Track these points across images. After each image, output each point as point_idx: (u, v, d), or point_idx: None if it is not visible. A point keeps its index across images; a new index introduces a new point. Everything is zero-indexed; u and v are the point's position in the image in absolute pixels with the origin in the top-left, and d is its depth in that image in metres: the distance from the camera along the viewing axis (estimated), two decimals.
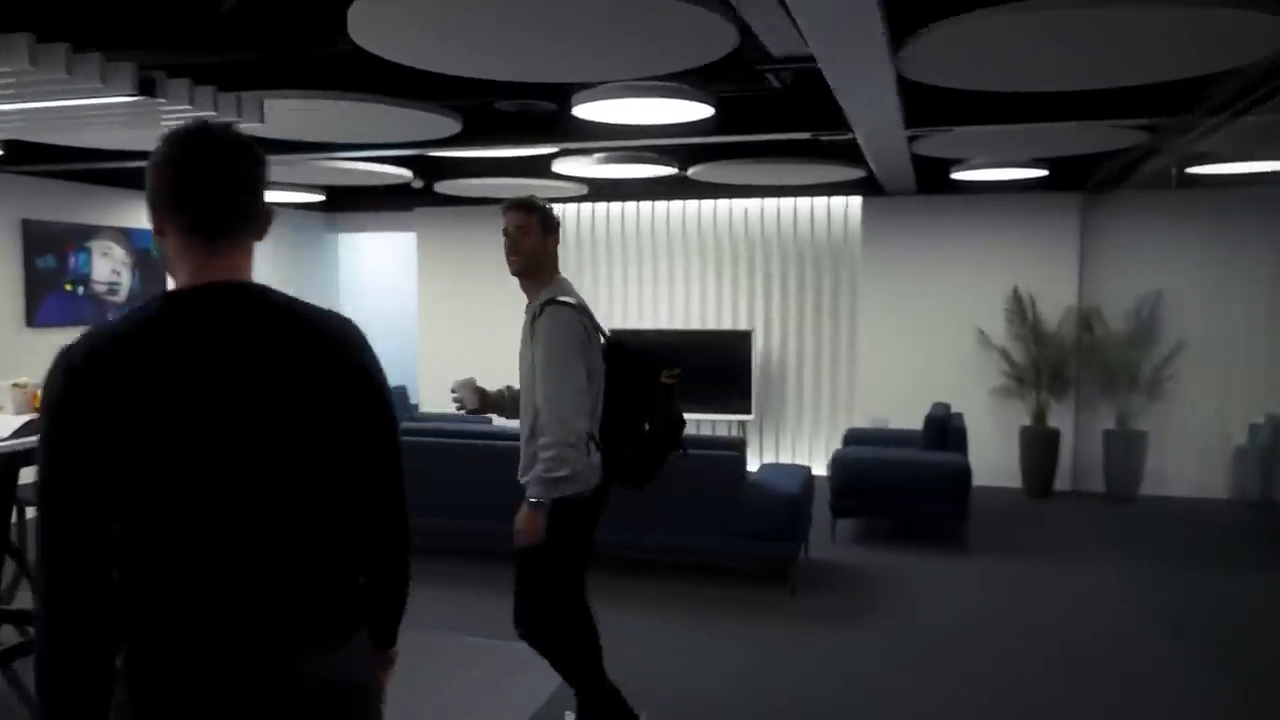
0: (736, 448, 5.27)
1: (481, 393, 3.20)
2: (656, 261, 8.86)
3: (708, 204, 8.70)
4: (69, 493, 1.32)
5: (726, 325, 8.64)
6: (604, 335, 3.06)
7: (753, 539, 5.15)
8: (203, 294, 1.42)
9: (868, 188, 7.59)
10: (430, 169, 6.93)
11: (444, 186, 7.65)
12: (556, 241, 3.06)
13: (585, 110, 4.14)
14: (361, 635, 1.54)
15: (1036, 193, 7.67)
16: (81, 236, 7.19)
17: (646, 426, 3.03)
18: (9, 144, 5.45)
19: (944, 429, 6.36)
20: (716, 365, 8.32)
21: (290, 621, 1.43)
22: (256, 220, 1.49)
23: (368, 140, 5.30)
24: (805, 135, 4.95)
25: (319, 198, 8.15)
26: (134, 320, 1.38)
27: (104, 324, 1.39)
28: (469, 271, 9.24)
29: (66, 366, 1.34)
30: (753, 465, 5.89)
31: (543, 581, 3.02)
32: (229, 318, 1.42)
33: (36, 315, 6.83)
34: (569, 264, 8.97)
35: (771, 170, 6.54)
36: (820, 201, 8.43)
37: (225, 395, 1.37)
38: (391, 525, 1.62)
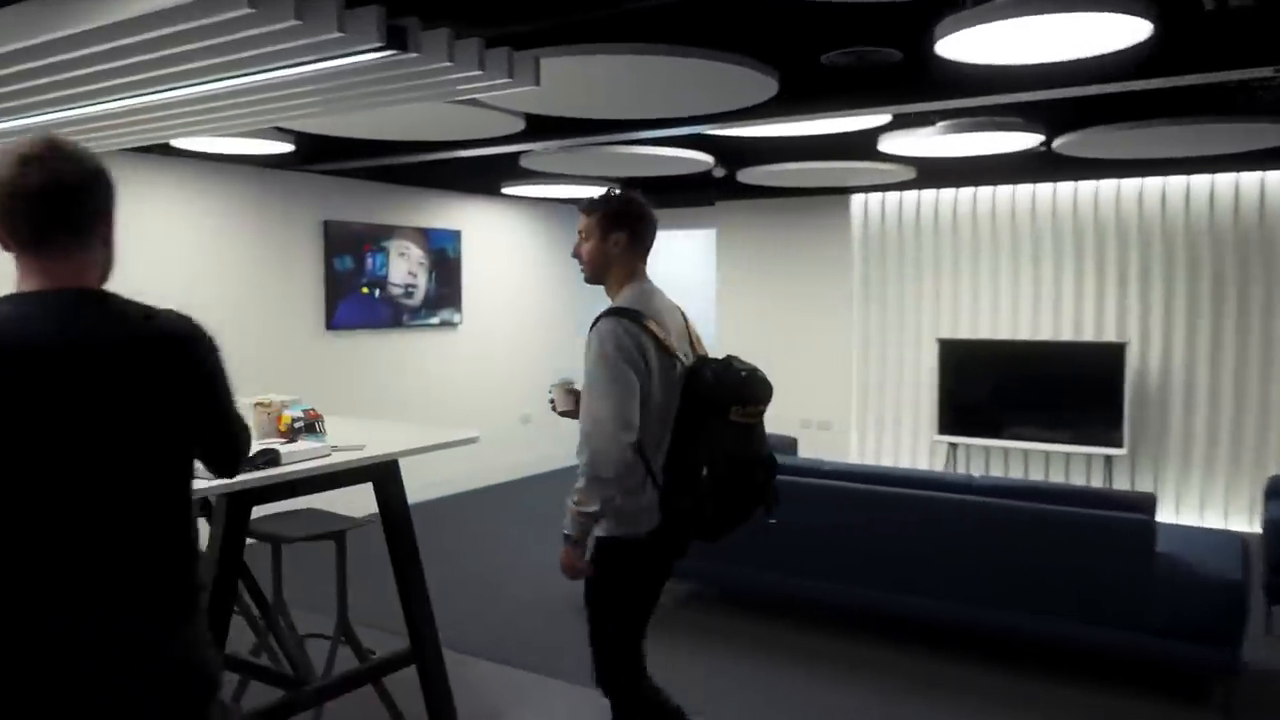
0: (1142, 508, 3.86)
1: (575, 395, 2.81)
2: (999, 257, 7.39)
3: (1068, 186, 7.12)
4: None
5: (1091, 336, 7.02)
6: (684, 357, 2.63)
7: (1166, 637, 3.74)
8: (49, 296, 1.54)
9: None
10: (732, 155, 6.02)
11: (747, 175, 6.72)
12: (625, 241, 2.70)
13: (955, 46, 2.99)
14: (202, 620, 1.64)
15: None
16: (379, 237, 6.99)
17: (705, 470, 2.55)
18: (306, 140, 5.16)
19: None
20: (1078, 385, 6.76)
21: (141, 603, 1.53)
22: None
23: (661, 114, 4.44)
24: (1268, 71, 3.45)
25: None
26: None
27: None
28: (773, 272, 8.26)
29: None
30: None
31: (597, 633, 2.68)
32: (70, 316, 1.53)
33: (334, 318, 6.68)
34: (888, 263, 7.73)
35: (1170, 137, 4.97)
36: (1225, 179, 6.60)
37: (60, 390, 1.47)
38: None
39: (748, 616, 4.83)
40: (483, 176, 6.98)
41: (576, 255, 2.82)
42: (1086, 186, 7.05)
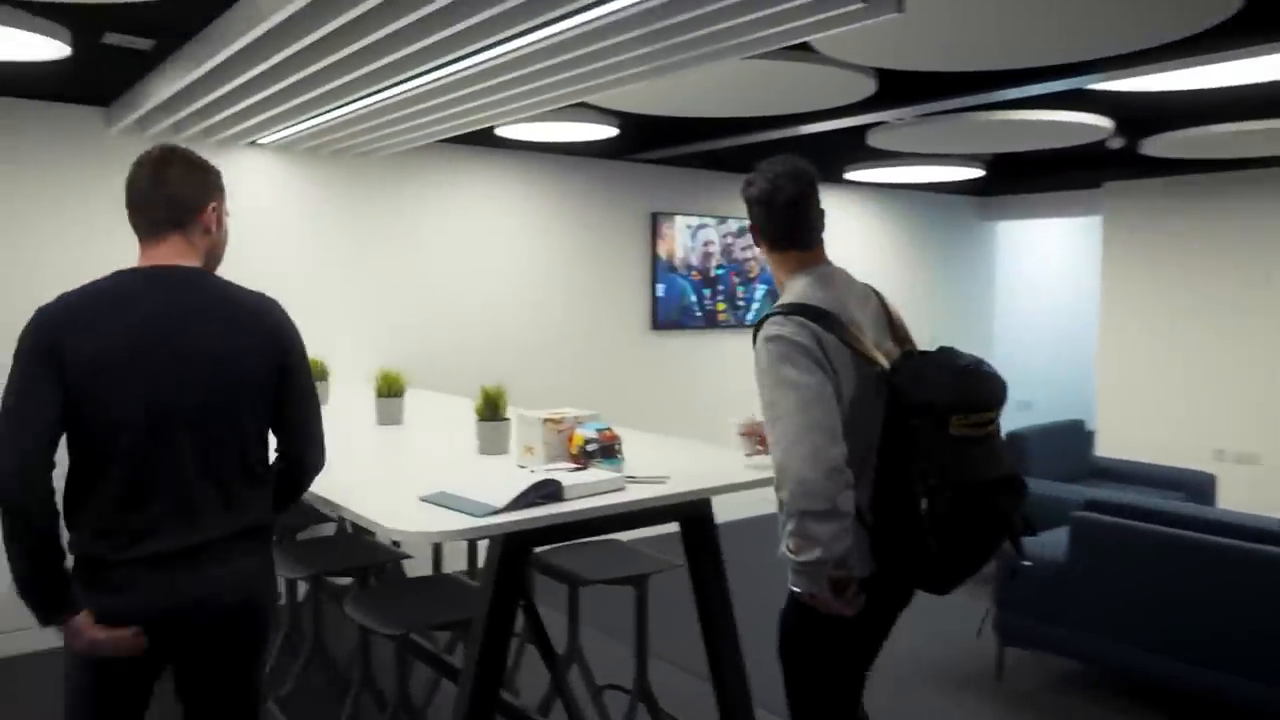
0: None
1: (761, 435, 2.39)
2: None
3: None
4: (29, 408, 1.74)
5: None
6: (883, 355, 2.04)
7: None
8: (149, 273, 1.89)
9: None
10: (1134, 121, 4.79)
11: (1155, 145, 5.39)
12: (768, 223, 2.15)
13: None
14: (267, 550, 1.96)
15: None
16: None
17: (924, 502, 1.91)
18: (630, 124, 4.72)
19: None
20: None
21: (217, 532, 1.85)
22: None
23: (1038, 61, 3.43)
24: None
25: (975, 173, 6.41)
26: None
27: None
28: (1178, 271, 6.73)
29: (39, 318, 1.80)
30: None
31: (798, 708, 2.17)
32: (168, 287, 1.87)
33: (658, 317, 6.25)
34: None
35: None
36: None
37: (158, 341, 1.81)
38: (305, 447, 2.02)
39: (1144, 712, 3.69)
40: (823, 160, 6.23)
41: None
42: None
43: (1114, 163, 6.28)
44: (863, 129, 4.89)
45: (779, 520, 1.97)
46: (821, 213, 2.20)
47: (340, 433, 3.52)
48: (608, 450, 2.56)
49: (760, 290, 6.67)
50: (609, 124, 4.61)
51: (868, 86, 3.80)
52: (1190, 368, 6.62)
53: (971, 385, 1.96)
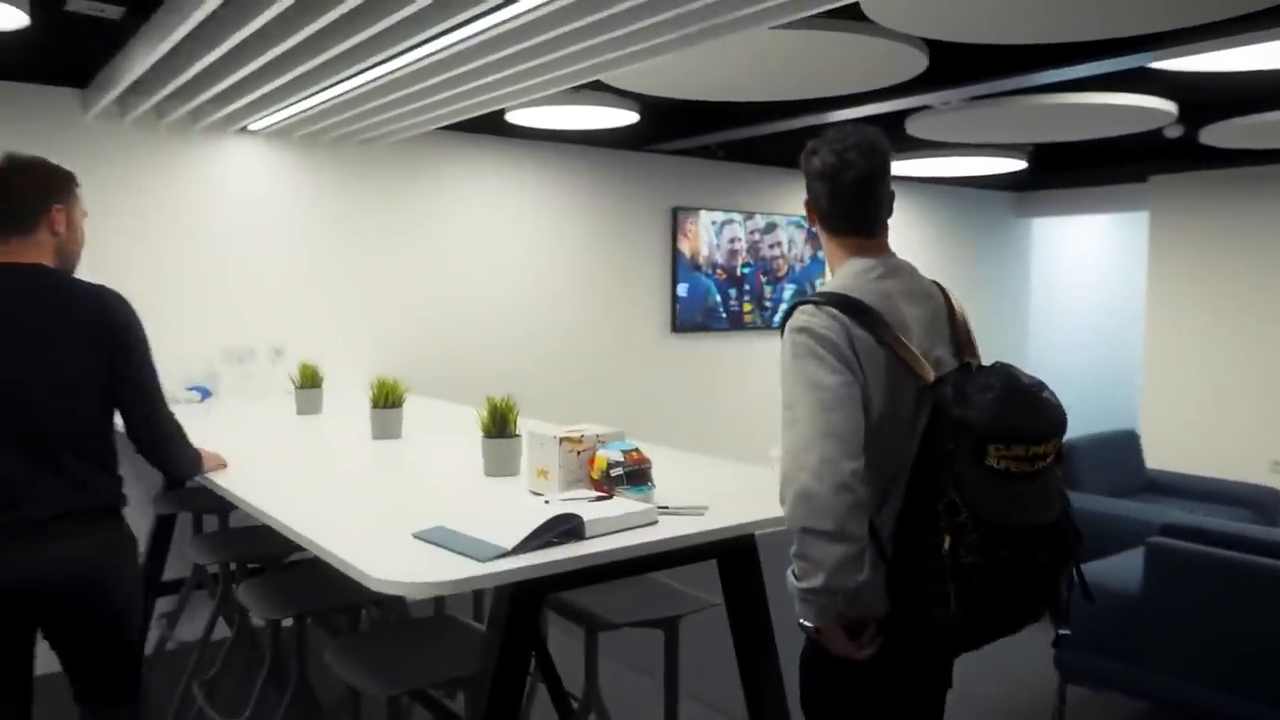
0: None
1: None
2: None
3: None
4: None
5: None
6: (933, 362, 1.72)
7: None
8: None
9: None
10: (1197, 106, 4.39)
11: (1216, 134, 4.99)
12: (826, 202, 1.81)
13: None
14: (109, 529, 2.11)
15: None
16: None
17: (945, 543, 1.57)
18: (650, 110, 4.36)
19: None
20: None
21: (45, 511, 1.99)
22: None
23: (1098, 33, 3.04)
24: None
25: (1016, 165, 5.99)
26: None
27: None
28: (1230, 269, 6.32)
29: None
30: None
31: None
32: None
33: (678, 319, 5.88)
34: None
35: None
36: None
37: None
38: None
39: None
40: None
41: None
42: None
43: (1163, 154, 5.89)
44: (902, 115, 4.52)
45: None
46: (891, 195, 1.85)
47: (331, 450, 3.16)
48: (637, 475, 2.19)
49: (789, 290, 6.28)
50: (628, 107, 4.24)
51: (918, 63, 3.42)
52: (1243, 372, 6.21)
53: (1017, 410, 1.59)
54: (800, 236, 6.32)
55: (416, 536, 1.91)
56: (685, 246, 5.80)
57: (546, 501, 2.07)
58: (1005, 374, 1.65)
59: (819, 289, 1.79)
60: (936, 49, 3.33)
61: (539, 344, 5.38)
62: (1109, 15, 2.81)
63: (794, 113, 4.46)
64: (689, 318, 5.85)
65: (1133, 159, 6.14)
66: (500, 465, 2.52)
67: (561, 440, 2.26)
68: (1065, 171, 6.79)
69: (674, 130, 5.08)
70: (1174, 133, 5.09)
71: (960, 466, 1.59)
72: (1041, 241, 8.25)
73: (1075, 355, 8.20)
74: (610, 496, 2.13)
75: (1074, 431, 5.35)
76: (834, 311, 1.69)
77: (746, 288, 6.08)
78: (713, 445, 5.44)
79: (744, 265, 6.05)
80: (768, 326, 6.17)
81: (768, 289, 6.18)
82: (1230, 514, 4.81)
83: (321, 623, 3.27)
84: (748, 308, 6.08)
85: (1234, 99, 4.29)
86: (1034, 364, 7.94)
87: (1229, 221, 6.33)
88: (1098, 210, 7.36)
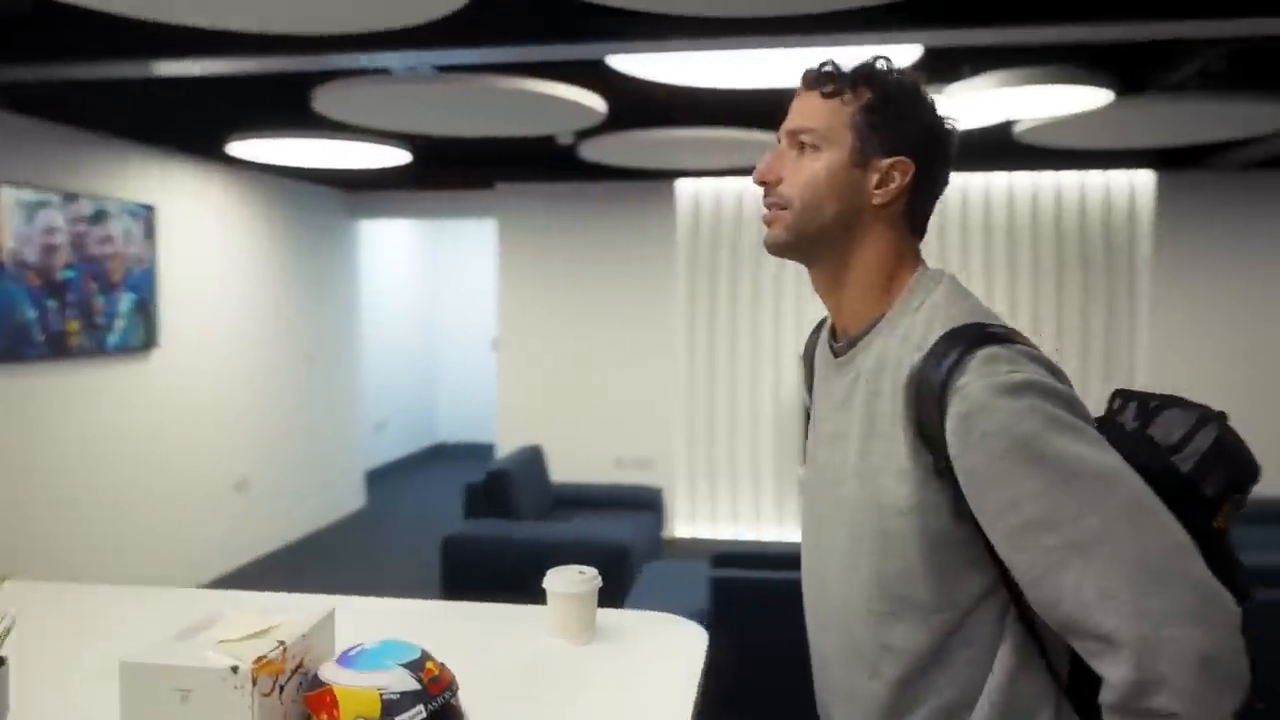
0: None
1: None
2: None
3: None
4: None
5: None
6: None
7: None
8: None
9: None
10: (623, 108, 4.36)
11: (596, 149, 5.05)
12: (916, 177, 1.19)
13: None
14: None
15: None
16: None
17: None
18: None
19: None
20: None
21: None
22: None
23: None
24: None
25: (402, 157, 5.26)
26: None
27: None
28: (574, 279, 6.65)
29: None
30: None
31: None
32: None
33: None
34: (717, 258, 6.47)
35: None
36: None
37: None
38: None
39: None
40: (193, 123, 4.57)
41: (766, 182, 1.24)
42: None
43: (509, 162, 5.85)
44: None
45: None
46: None
47: None
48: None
49: (127, 300, 4.65)
50: None
51: None
52: (583, 376, 6.60)
53: (1244, 445, 1.16)
54: (139, 229, 4.73)
55: None
56: None
57: None
58: (1195, 409, 1.17)
59: (954, 320, 1.13)
60: None
61: None
62: None
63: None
64: None
65: (483, 165, 6.02)
66: None
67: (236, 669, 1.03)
68: (442, 170, 6.27)
69: None
70: (567, 139, 5.06)
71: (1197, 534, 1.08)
72: (367, 245, 7.80)
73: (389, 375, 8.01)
74: None
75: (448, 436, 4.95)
76: (1033, 352, 1.10)
77: (70, 297, 4.32)
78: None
79: (66, 266, 4.29)
80: (101, 350, 4.49)
81: (100, 299, 4.49)
82: None
83: None
84: (73, 326, 4.33)
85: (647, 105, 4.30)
86: (368, 381, 7.43)
87: (567, 235, 6.63)
88: (446, 215, 7.15)
